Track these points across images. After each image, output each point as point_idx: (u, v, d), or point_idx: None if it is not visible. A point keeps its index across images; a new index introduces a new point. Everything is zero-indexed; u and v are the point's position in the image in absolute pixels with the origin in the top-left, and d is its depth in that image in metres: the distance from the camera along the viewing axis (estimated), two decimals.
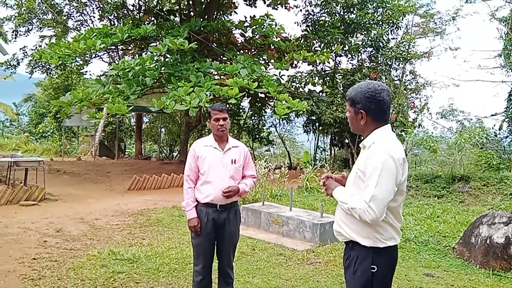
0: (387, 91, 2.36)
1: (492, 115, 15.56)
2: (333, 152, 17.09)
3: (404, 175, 2.24)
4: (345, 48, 15.05)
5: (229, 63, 12.63)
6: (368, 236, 2.26)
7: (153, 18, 15.42)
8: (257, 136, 19.36)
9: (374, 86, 2.32)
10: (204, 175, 3.46)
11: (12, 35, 18.48)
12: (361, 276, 2.28)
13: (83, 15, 19.47)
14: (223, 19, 16.10)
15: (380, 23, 14.81)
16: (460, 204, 8.53)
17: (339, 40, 14.30)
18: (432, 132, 15.91)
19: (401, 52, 14.53)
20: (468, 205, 8.42)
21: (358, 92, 2.33)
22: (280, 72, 14.03)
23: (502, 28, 15.86)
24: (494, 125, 15.06)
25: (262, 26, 13.90)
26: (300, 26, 16.06)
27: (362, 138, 2.47)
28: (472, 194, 8.86)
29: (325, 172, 11.18)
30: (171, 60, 12.33)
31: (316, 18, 15.85)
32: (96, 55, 16.84)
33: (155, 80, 11.90)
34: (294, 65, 14.81)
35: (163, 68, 11.94)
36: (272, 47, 14.01)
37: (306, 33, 15.56)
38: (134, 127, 21.80)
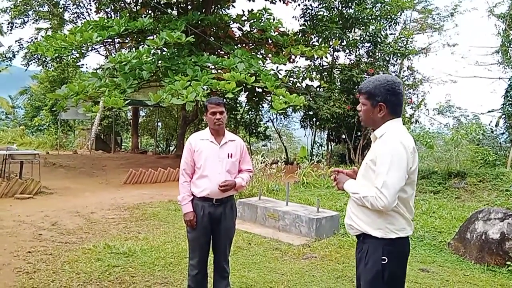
0: (402, 84, 2.42)
1: (489, 111, 15.60)
2: (330, 147, 17.10)
3: (414, 164, 2.29)
4: (343, 43, 15.00)
5: (226, 57, 12.59)
6: (379, 227, 2.29)
7: (150, 11, 15.31)
8: (254, 131, 19.35)
9: (392, 79, 2.37)
10: (200, 169, 3.44)
11: (8, 27, 18.33)
12: (371, 268, 2.30)
13: (79, 7, 19.32)
14: (220, 12, 16.02)
15: (378, 18, 14.76)
16: (456, 200, 8.56)
17: (337, 35, 14.25)
18: (429, 128, 15.93)
19: (399, 47, 14.50)
20: (464, 201, 8.45)
21: (377, 85, 2.35)
22: (277, 67, 14.00)
23: (500, 24, 15.87)
24: (491, 122, 15.11)
25: (260, 20, 13.84)
26: (298, 20, 16.00)
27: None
28: (468, 190, 8.88)
29: (321, 167, 11.19)
30: (168, 54, 12.27)
31: (314, 13, 15.78)
32: (93, 48, 16.73)
33: (152, 74, 11.84)
34: (291, 60, 14.77)
35: (160, 62, 11.88)
36: (270, 41, 13.97)
37: (304, 27, 15.50)
38: (131, 121, 21.72)
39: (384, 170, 2.19)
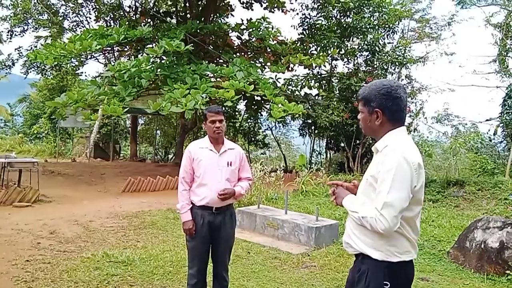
0: (404, 88, 2.19)
1: (487, 120, 15.65)
2: (328, 155, 17.10)
3: (420, 182, 2.06)
4: (341, 52, 15.07)
5: (225, 65, 12.63)
6: (380, 248, 2.08)
7: (149, 20, 15.40)
8: (253, 139, 19.36)
9: (388, 83, 2.18)
10: (200, 177, 3.44)
11: (7, 35, 18.39)
12: None
13: (79, 16, 19.39)
14: (219, 21, 16.11)
15: (376, 27, 14.86)
16: (455, 209, 8.56)
17: (335, 43, 14.33)
18: (427, 137, 15.99)
19: (397, 56, 14.58)
20: (463, 210, 8.45)
21: (372, 89, 2.17)
22: (276, 75, 14.06)
23: (497, 34, 15.99)
24: (489, 130, 15.14)
25: (259, 29, 13.92)
26: (297, 29, 16.09)
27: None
28: (466, 198, 8.89)
29: (320, 175, 11.19)
30: (167, 62, 12.31)
31: (312, 22, 15.88)
32: (92, 56, 16.81)
33: (151, 82, 11.88)
34: (290, 69, 14.82)
35: (159, 70, 11.92)
36: (269, 50, 14.04)
37: (303, 36, 15.59)
38: (129, 129, 21.73)
39: (385, 190, 1.98)
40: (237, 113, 19.07)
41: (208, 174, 3.43)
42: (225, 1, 15.66)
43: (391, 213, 1.97)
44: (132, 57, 15.45)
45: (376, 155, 2.20)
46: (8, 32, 18.35)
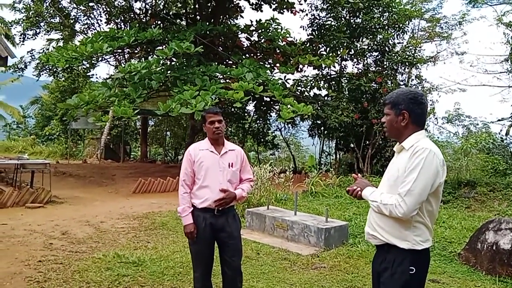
0: (425, 96, 2.48)
1: (499, 120, 15.48)
2: (338, 156, 17.04)
3: (443, 177, 2.31)
4: (350, 52, 15.02)
5: (234, 67, 12.66)
6: (407, 238, 2.32)
7: (159, 22, 15.47)
8: (262, 140, 19.37)
9: (415, 90, 2.45)
10: (201, 179, 3.41)
11: (20, 38, 18.61)
12: (399, 278, 2.33)
13: (90, 18, 19.56)
14: (229, 23, 16.15)
15: (386, 27, 14.78)
16: (466, 210, 8.48)
17: (345, 44, 14.28)
18: (438, 137, 15.88)
19: (407, 56, 14.47)
20: (474, 211, 8.37)
21: (400, 95, 2.42)
22: (285, 76, 14.08)
23: (509, 33, 15.80)
24: (501, 130, 14.97)
25: (268, 30, 13.93)
26: (306, 30, 16.05)
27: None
28: (478, 199, 8.80)
29: (330, 176, 11.16)
30: (177, 64, 12.38)
31: (322, 22, 15.84)
32: (103, 58, 16.95)
33: (161, 84, 11.95)
34: (299, 69, 14.82)
35: (169, 72, 11.98)
36: (278, 51, 14.03)
37: (312, 37, 15.55)
38: (140, 130, 21.89)
39: (411, 179, 2.22)
40: (246, 114, 19.10)
41: (209, 176, 3.40)
42: (235, 3, 15.69)
43: (412, 200, 2.22)
44: (143, 59, 15.53)
45: (400, 154, 2.42)
46: (20, 35, 18.55)
